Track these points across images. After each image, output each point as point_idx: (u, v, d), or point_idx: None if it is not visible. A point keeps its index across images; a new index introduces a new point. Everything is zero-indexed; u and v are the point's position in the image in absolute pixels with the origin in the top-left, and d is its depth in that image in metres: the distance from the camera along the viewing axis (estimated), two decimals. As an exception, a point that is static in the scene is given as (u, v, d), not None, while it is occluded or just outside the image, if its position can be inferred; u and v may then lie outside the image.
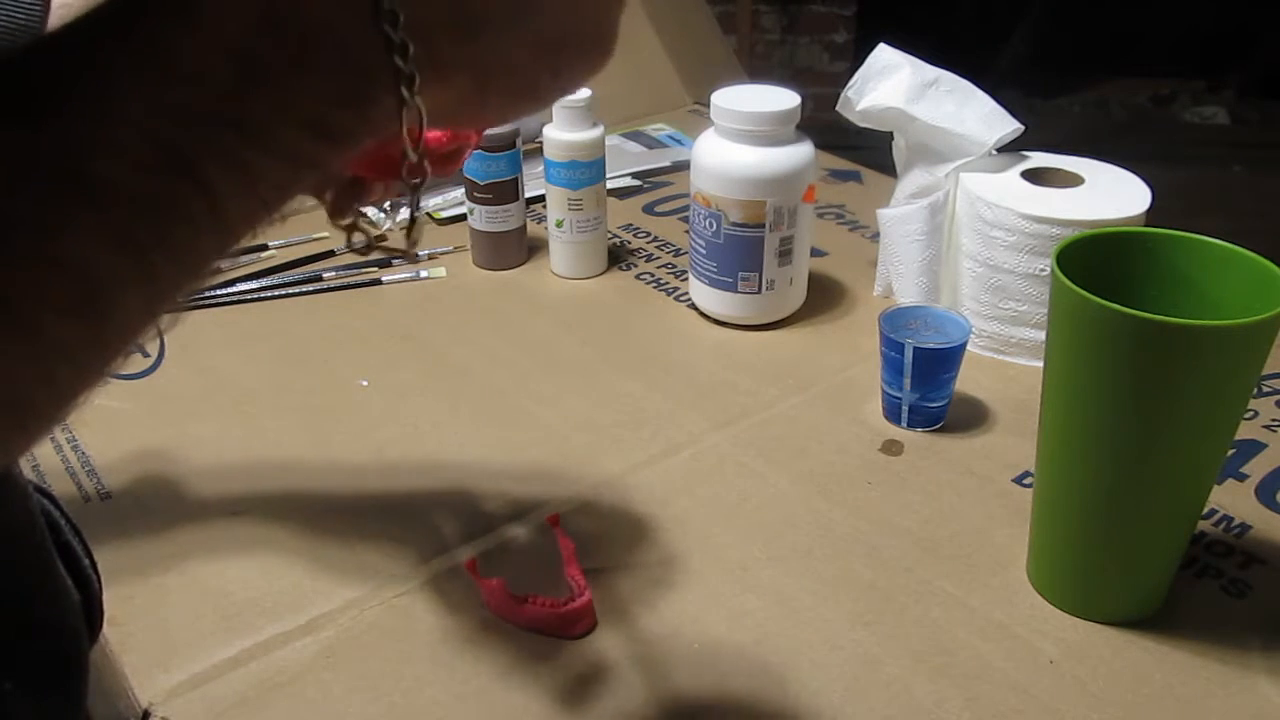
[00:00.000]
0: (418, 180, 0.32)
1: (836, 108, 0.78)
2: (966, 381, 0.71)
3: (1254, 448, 0.67)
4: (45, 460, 0.66)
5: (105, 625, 0.52)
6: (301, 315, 0.83)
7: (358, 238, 0.38)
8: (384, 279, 0.88)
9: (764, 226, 0.76)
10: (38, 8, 0.41)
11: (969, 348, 0.69)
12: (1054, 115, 3.13)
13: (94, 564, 0.44)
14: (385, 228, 0.95)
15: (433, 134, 0.40)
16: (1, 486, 0.38)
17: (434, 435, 0.69)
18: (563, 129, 0.83)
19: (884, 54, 0.77)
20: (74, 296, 0.23)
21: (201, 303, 0.84)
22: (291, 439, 0.69)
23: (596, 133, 0.83)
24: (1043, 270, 0.72)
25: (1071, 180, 0.75)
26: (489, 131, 0.83)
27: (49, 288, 0.23)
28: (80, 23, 0.24)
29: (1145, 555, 0.53)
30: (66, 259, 0.23)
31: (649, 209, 1.01)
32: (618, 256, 0.91)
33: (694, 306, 0.83)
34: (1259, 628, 0.54)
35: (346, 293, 0.86)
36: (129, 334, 0.26)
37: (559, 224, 0.86)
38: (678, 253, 0.92)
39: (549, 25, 0.31)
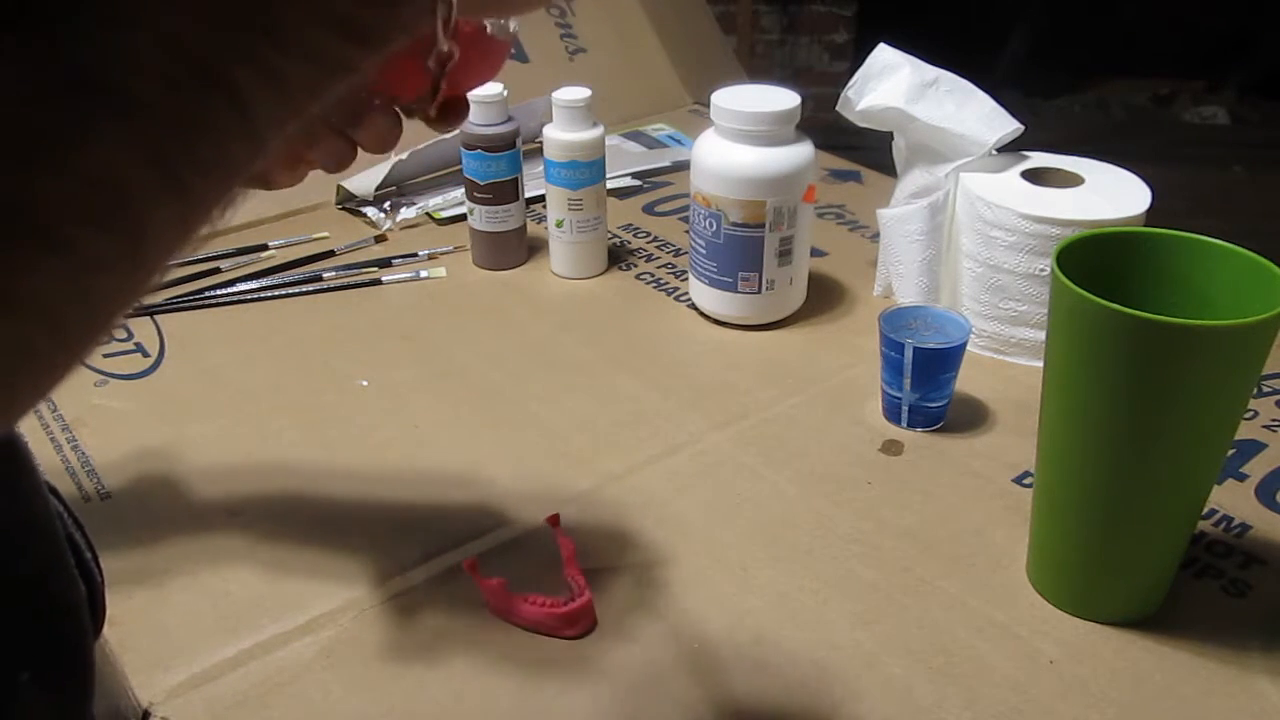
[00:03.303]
0: (445, 65, 0.32)
1: (836, 108, 0.78)
2: (966, 381, 0.71)
3: (1254, 448, 0.67)
4: (45, 460, 0.66)
5: (106, 625, 0.52)
6: (301, 315, 0.83)
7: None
8: (384, 279, 0.88)
9: (764, 226, 0.76)
10: None
11: (969, 348, 0.69)
12: (1054, 115, 3.13)
13: (96, 559, 0.44)
14: (385, 228, 0.96)
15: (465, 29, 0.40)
16: (23, 477, 0.38)
17: (434, 435, 0.69)
18: (563, 129, 0.83)
19: (884, 54, 0.77)
20: (105, 210, 0.23)
21: (201, 303, 0.84)
22: (291, 439, 0.69)
23: (596, 133, 0.83)
24: (1043, 270, 0.72)
25: (1071, 180, 0.75)
26: (487, 132, 0.83)
27: (79, 201, 0.22)
28: None
29: (1145, 555, 0.53)
30: (95, 171, 0.22)
31: (649, 209, 1.01)
32: (618, 256, 0.91)
33: (694, 306, 0.83)
34: (1259, 628, 0.54)
35: (346, 293, 0.86)
36: (164, 249, 0.25)
37: (559, 224, 0.86)
38: (678, 253, 0.92)
39: None
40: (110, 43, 0.23)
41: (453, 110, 0.43)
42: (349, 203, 1.00)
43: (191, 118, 0.24)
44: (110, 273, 0.24)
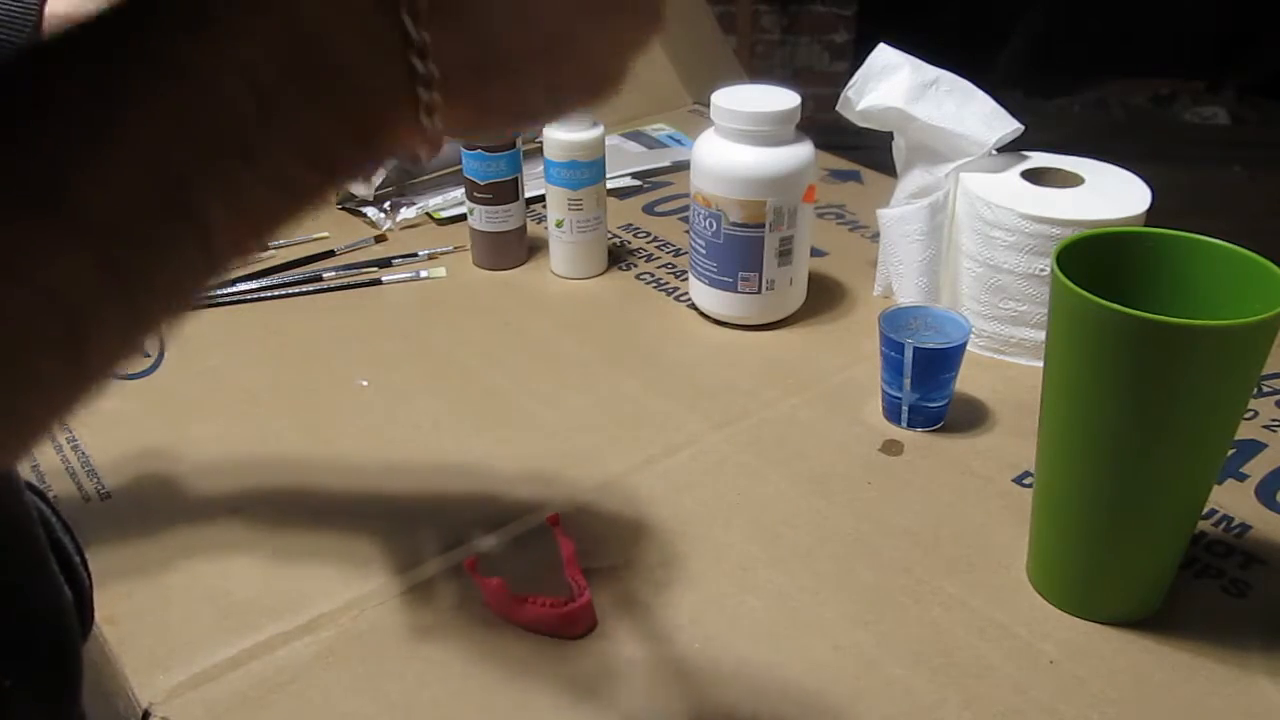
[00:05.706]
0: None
1: (836, 108, 0.78)
2: (966, 381, 0.71)
3: (1254, 448, 0.67)
4: (45, 460, 0.66)
5: (105, 625, 0.52)
6: (301, 315, 0.83)
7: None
8: (384, 279, 0.88)
9: (764, 226, 0.76)
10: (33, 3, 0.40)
11: (969, 348, 0.69)
12: (1054, 115, 3.13)
13: (84, 561, 0.44)
14: (385, 228, 0.96)
15: None
16: None
17: (434, 435, 0.69)
18: (563, 129, 0.83)
19: (884, 54, 0.77)
20: (54, 325, 0.22)
21: (201, 303, 0.84)
22: (291, 439, 0.69)
23: (596, 133, 0.83)
24: (1043, 270, 0.72)
25: (1071, 180, 0.75)
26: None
27: (29, 315, 0.22)
28: (79, 29, 0.22)
29: (1145, 555, 0.53)
30: (48, 286, 0.22)
31: (649, 209, 1.01)
32: (618, 256, 0.91)
33: (694, 306, 0.83)
34: (1259, 628, 0.54)
35: (346, 293, 0.86)
36: (105, 366, 0.24)
37: (559, 224, 0.86)
38: (678, 253, 0.92)
39: (569, 71, 0.30)
40: (80, 157, 0.22)
41: None
42: (349, 203, 1.00)
43: (152, 238, 0.23)
44: (48, 389, 0.23)
